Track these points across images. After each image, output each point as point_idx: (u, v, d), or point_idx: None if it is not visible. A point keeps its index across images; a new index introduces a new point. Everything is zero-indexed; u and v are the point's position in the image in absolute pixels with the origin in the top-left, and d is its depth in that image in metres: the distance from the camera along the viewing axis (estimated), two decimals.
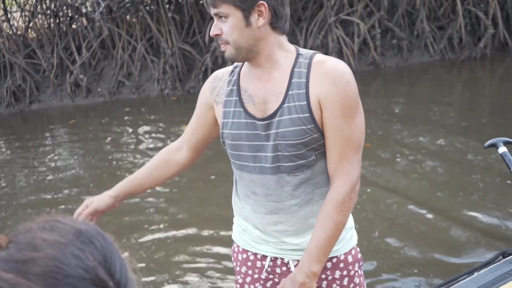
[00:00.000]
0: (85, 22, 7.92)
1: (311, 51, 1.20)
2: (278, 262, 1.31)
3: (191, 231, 3.14)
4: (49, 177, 4.62)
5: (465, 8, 7.11)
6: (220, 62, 7.04)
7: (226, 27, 1.12)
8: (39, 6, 7.93)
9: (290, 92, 1.15)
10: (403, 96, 5.94)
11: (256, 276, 1.34)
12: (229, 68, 1.29)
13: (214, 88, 1.29)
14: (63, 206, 3.86)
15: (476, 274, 1.29)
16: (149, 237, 3.14)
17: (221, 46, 1.16)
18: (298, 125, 1.15)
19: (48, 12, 7.97)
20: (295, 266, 1.27)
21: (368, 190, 3.36)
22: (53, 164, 5.04)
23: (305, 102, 1.14)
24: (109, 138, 5.74)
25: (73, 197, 4.01)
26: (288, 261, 1.29)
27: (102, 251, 0.49)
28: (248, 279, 1.36)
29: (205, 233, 3.02)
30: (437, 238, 2.77)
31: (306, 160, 1.19)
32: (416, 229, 2.89)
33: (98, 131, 6.03)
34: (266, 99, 1.18)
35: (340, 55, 7.08)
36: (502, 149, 1.64)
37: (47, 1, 7.94)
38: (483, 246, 2.63)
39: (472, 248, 2.64)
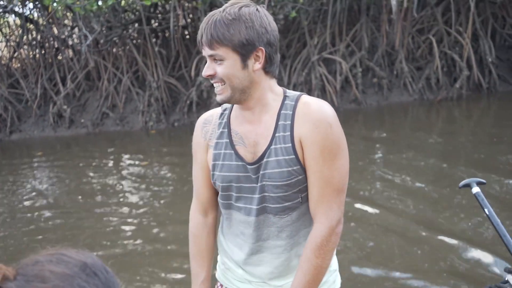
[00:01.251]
0: (71, 53, 7.97)
1: (298, 93, 1.22)
2: None
3: (172, 263, 3.10)
4: (27, 209, 4.51)
5: (441, 50, 7.45)
6: (205, 96, 7.13)
7: (221, 69, 1.13)
8: (25, 37, 7.97)
9: (277, 134, 1.17)
10: (383, 133, 6.09)
11: None
12: (217, 110, 1.30)
13: (206, 132, 1.28)
14: (40, 237, 3.77)
15: None
16: (131, 269, 3.08)
17: (216, 88, 1.17)
18: (284, 167, 1.16)
19: (34, 43, 8.01)
20: None
21: (351, 224, 3.39)
22: (31, 197, 4.93)
23: (290, 144, 1.15)
24: (90, 171, 5.67)
25: (51, 229, 3.92)
26: None
27: (106, 283, 0.53)
28: None
29: (184, 265, 2.98)
30: (407, 282, 2.79)
31: (292, 202, 1.20)
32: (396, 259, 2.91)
33: (80, 163, 5.96)
34: (257, 141, 1.20)
35: (323, 92, 7.27)
36: (476, 189, 1.69)
37: (34, 32, 8.00)
38: (461, 286, 2.66)
39: (455, 277, 2.67)
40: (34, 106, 7.55)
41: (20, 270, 0.51)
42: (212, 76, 1.15)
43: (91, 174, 5.56)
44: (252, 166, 1.20)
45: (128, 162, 5.97)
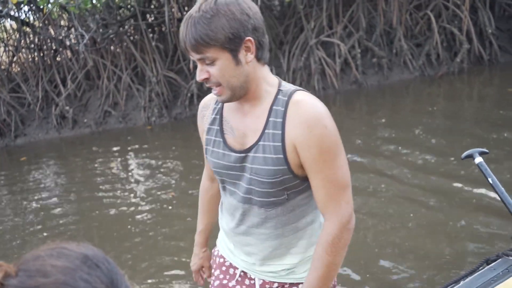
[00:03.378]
0: (69, 54, 7.97)
1: (292, 88, 1.16)
2: (247, 277, 1.35)
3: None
4: (37, 212, 4.57)
5: (440, 25, 7.37)
6: (205, 88, 7.12)
7: (215, 70, 1.07)
8: (22, 41, 7.97)
9: (266, 131, 1.13)
10: (386, 112, 6.07)
11: (225, 282, 1.37)
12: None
13: (203, 116, 1.30)
14: (47, 232, 3.83)
15: (462, 282, 1.34)
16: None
17: (213, 90, 1.11)
18: (270, 165, 1.13)
19: (32, 46, 8.02)
20: (260, 285, 1.31)
21: (364, 196, 3.42)
22: (40, 199, 4.98)
23: (280, 144, 1.11)
24: (96, 170, 5.71)
25: (61, 231, 3.97)
26: (255, 279, 1.33)
27: (108, 274, 0.52)
28: (217, 282, 1.39)
29: None
30: (420, 248, 2.81)
31: (277, 198, 1.18)
32: (399, 240, 2.94)
33: (86, 163, 6.00)
34: (245, 133, 1.18)
35: (323, 75, 7.24)
36: (478, 159, 1.69)
37: (31, 35, 8.00)
38: (469, 254, 2.68)
39: (458, 256, 2.69)
40: (36, 109, 7.58)
41: (22, 266, 0.51)
42: (207, 80, 1.09)
43: (97, 171, 5.60)
44: (237, 155, 1.19)
45: (133, 157, 6.00)
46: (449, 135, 4.64)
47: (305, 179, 1.16)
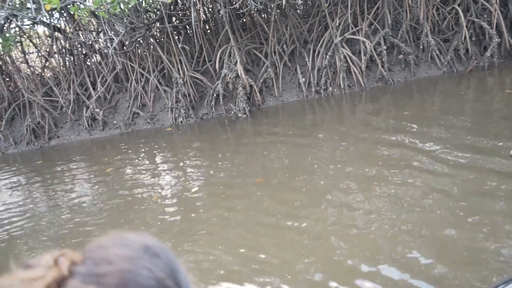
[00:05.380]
0: (98, 58, 8.21)
1: None
2: None
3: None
4: (71, 211, 4.74)
5: (468, 19, 7.19)
6: (230, 87, 7.20)
7: None
8: (54, 46, 8.26)
9: None
10: (414, 109, 5.98)
11: None
12: None
13: None
14: (87, 239, 3.96)
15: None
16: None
17: None
18: None
19: (63, 51, 8.30)
20: None
21: (379, 206, 3.40)
22: (74, 198, 5.17)
23: None
24: (126, 169, 5.87)
25: (96, 230, 4.11)
26: None
27: (168, 263, 0.55)
28: None
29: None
30: (461, 246, 2.78)
31: None
32: (432, 246, 2.91)
33: (116, 163, 6.17)
34: None
35: (348, 73, 7.20)
36: None
37: (62, 41, 8.28)
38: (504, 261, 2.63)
39: (492, 262, 2.64)
40: (69, 112, 7.85)
41: (87, 254, 0.54)
42: None
43: (128, 171, 5.76)
44: None
45: (161, 156, 6.13)
46: (480, 132, 4.53)
47: None
